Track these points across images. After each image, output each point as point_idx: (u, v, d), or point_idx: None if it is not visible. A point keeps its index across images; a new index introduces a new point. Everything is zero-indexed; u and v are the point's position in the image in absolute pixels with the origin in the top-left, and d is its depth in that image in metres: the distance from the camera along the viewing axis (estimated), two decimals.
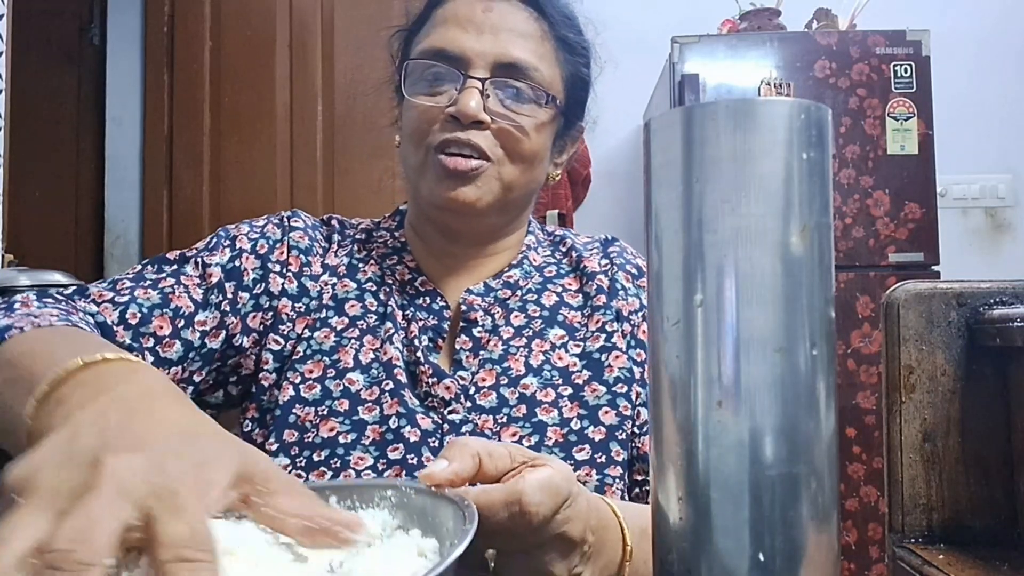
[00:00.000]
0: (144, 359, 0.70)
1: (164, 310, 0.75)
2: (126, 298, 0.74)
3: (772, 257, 0.32)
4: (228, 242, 0.81)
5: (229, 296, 0.78)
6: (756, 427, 0.32)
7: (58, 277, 1.68)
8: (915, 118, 2.29)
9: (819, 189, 0.33)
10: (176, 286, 0.77)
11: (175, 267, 0.79)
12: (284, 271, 0.81)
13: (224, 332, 0.77)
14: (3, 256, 1.88)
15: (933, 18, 2.57)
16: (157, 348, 0.74)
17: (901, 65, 2.30)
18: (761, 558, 0.31)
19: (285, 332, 0.79)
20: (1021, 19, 2.92)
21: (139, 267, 0.79)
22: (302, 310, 0.80)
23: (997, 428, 0.87)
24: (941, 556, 0.82)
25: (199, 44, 2.64)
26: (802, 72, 2.31)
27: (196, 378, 0.77)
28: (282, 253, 0.82)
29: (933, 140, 2.29)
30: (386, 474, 0.73)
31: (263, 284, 0.80)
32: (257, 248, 0.81)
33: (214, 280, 0.78)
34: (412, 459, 0.73)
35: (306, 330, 0.79)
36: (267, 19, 2.62)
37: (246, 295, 0.79)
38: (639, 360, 0.82)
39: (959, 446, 0.87)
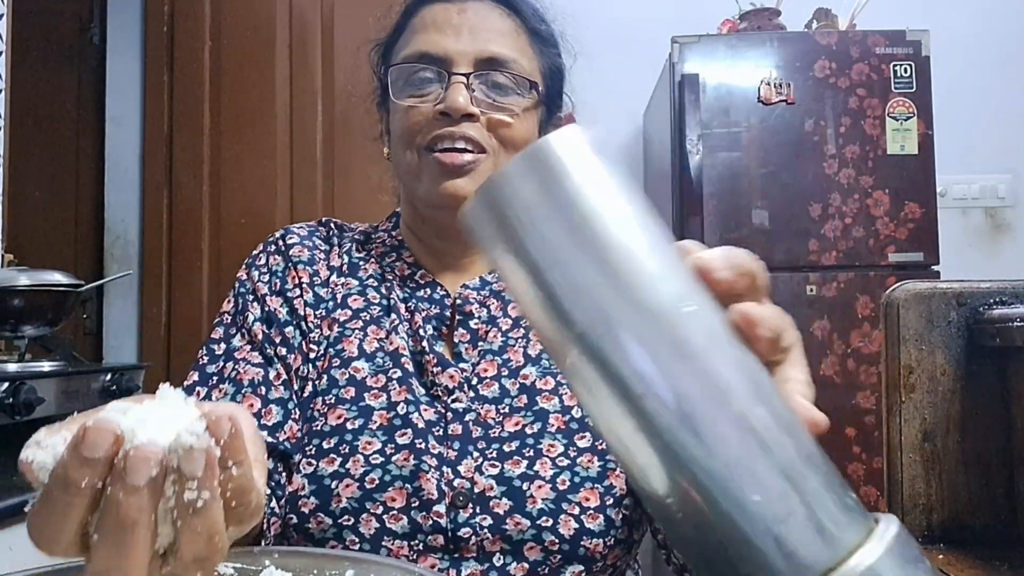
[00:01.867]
0: (262, 433, 0.72)
1: (243, 391, 0.77)
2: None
3: None
4: (251, 296, 0.83)
5: (278, 340, 0.80)
6: None
7: (58, 277, 1.68)
8: (915, 118, 2.29)
9: None
10: (236, 365, 0.79)
11: (224, 346, 0.81)
12: (300, 290, 0.83)
13: (295, 374, 0.80)
14: (3, 256, 1.88)
15: (933, 18, 2.57)
16: (263, 422, 0.76)
17: (901, 65, 2.30)
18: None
19: (316, 339, 0.81)
20: (1021, 19, 2.92)
21: (197, 365, 0.81)
22: (323, 315, 0.82)
23: (997, 428, 0.87)
24: (941, 556, 0.82)
25: (199, 44, 2.64)
26: (802, 72, 2.31)
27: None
28: (293, 277, 0.84)
29: (933, 140, 2.29)
30: (394, 458, 0.73)
31: (294, 313, 0.82)
32: (273, 287, 0.84)
33: (260, 337, 0.80)
34: (420, 443, 0.74)
35: (326, 329, 0.82)
36: (267, 19, 2.62)
37: (290, 328, 0.81)
38: None
39: (959, 446, 0.88)
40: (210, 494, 0.34)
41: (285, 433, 0.76)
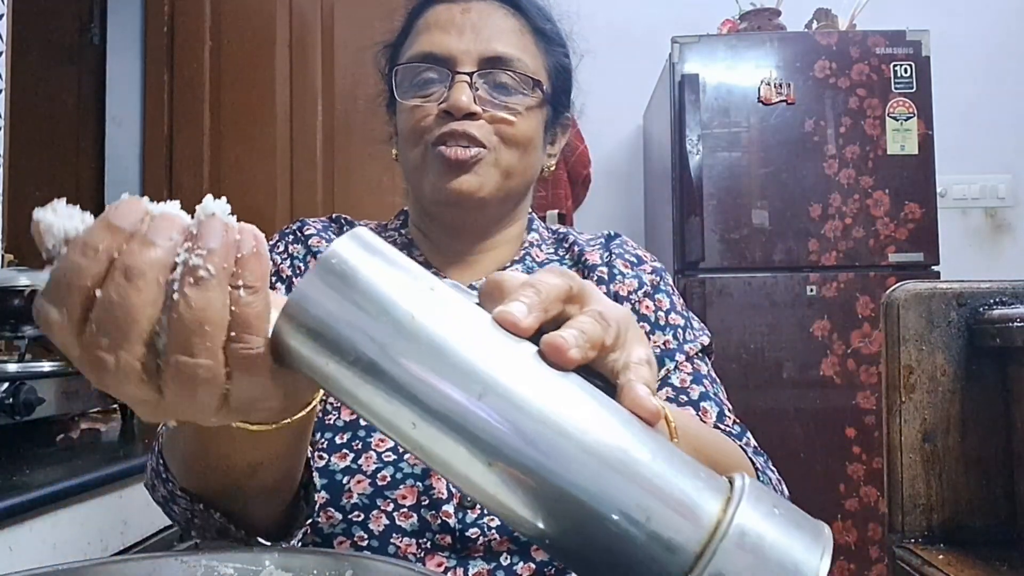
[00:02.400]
0: None
1: None
2: None
3: None
4: (274, 277, 0.84)
5: None
6: None
7: None
8: (915, 118, 2.29)
9: None
10: None
11: None
12: None
13: None
14: (3, 256, 1.88)
15: (933, 18, 2.57)
16: None
17: (901, 65, 2.30)
18: None
19: None
20: (1021, 19, 2.92)
21: None
22: None
23: (997, 428, 0.87)
24: (941, 556, 0.82)
25: (199, 44, 2.64)
26: (802, 72, 2.31)
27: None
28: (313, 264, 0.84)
29: (933, 140, 2.29)
30: (406, 456, 0.73)
31: None
32: (296, 271, 0.84)
33: None
34: None
35: None
36: (267, 19, 2.62)
37: None
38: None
39: (959, 446, 0.88)
40: (215, 271, 0.35)
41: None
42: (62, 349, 0.36)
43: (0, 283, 1.53)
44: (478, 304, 0.41)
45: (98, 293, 0.34)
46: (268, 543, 0.63)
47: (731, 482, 0.36)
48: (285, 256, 0.85)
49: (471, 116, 0.79)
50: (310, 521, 0.73)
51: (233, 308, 0.35)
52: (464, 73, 0.79)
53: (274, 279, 0.83)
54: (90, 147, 2.71)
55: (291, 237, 0.87)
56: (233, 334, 0.36)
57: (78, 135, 2.70)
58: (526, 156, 0.83)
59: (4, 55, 1.85)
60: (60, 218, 0.36)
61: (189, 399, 0.36)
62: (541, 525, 0.35)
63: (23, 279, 1.59)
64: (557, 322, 0.40)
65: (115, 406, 1.59)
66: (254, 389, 0.37)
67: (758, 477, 0.70)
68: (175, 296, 0.34)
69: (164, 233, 0.35)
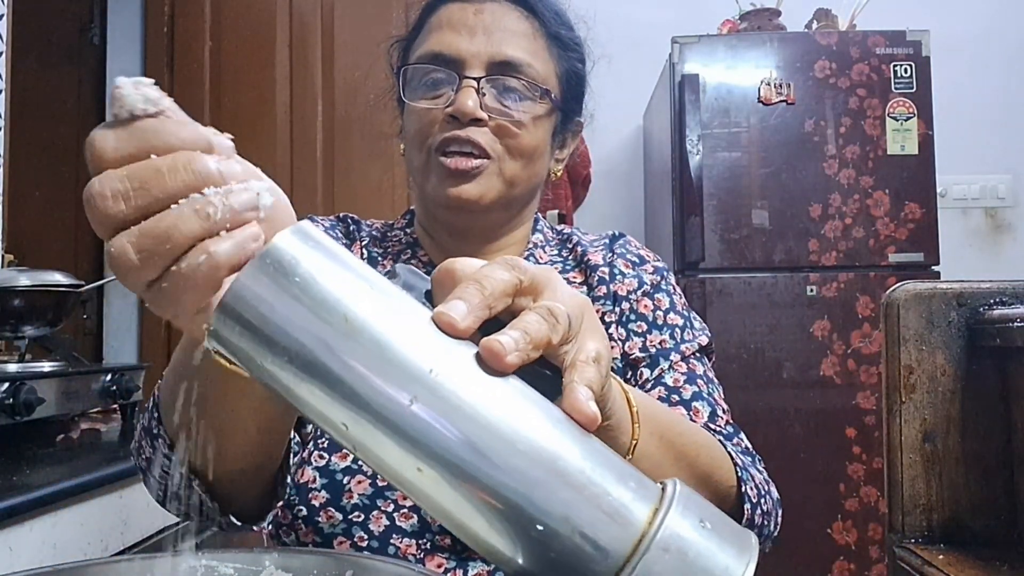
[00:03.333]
0: None
1: None
2: None
3: None
4: None
5: None
6: None
7: (58, 277, 1.68)
8: (915, 118, 2.29)
9: None
10: None
11: None
12: None
13: None
14: (3, 256, 1.88)
15: (933, 18, 2.57)
16: None
17: (901, 65, 2.30)
18: None
19: None
20: (1021, 19, 2.92)
21: None
22: None
23: (997, 428, 0.87)
24: (941, 556, 0.82)
25: (199, 44, 2.64)
26: (802, 72, 2.31)
27: None
28: None
29: (933, 140, 2.29)
30: None
31: None
32: None
33: None
34: None
35: None
36: (267, 19, 2.62)
37: None
38: (639, 331, 0.82)
39: (959, 446, 0.87)
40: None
41: None
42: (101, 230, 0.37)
43: (0, 283, 1.53)
44: (428, 292, 0.41)
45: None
46: (239, 523, 0.63)
47: (663, 489, 0.37)
48: None
49: (477, 122, 0.78)
50: (313, 519, 0.73)
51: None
52: (472, 78, 0.78)
53: None
54: None
55: None
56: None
57: (78, 135, 2.70)
58: (531, 165, 0.82)
59: (4, 55, 1.85)
60: (136, 93, 0.37)
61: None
62: (474, 530, 0.35)
63: (23, 279, 1.59)
64: (510, 312, 0.40)
65: (115, 406, 1.59)
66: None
67: (738, 475, 0.69)
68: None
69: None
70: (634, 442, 0.52)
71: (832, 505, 2.20)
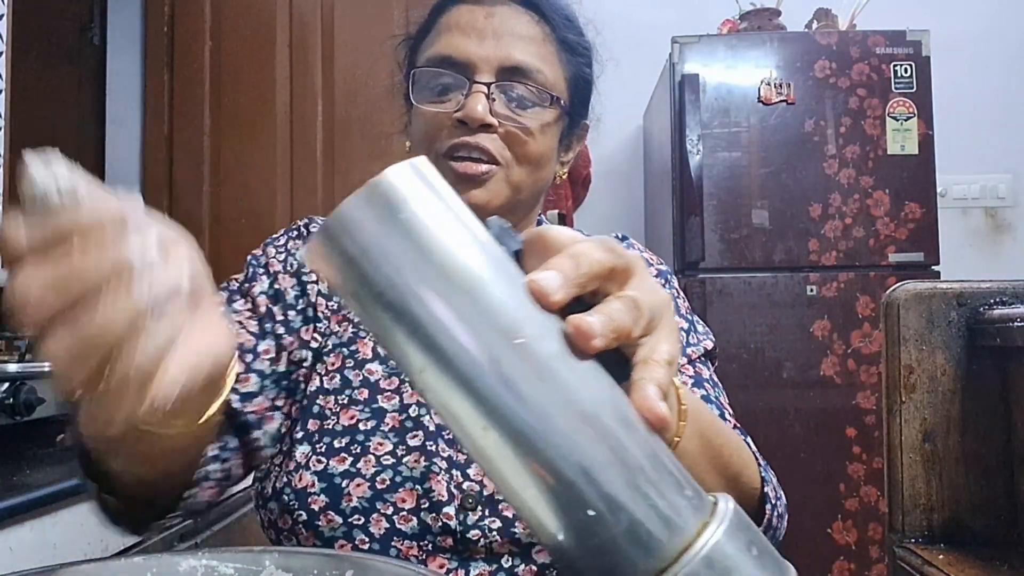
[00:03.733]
0: (231, 398, 0.73)
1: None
2: None
3: None
4: (262, 269, 0.83)
5: (280, 319, 0.80)
6: None
7: None
8: (915, 118, 2.29)
9: None
10: (233, 325, 0.78)
11: (227, 306, 0.80)
12: (317, 276, 0.83)
13: (285, 353, 0.79)
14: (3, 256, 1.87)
15: (933, 18, 2.57)
16: (237, 386, 0.75)
17: (901, 65, 2.30)
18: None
19: (322, 329, 0.82)
20: (1021, 19, 2.92)
21: None
22: (335, 308, 0.83)
23: (997, 428, 0.87)
24: (941, 556, 0.82)
25: (199, 44, 2.64)
26: (802, 72, 2.31)
27: (279, 403, 0.79)
28: None
29: (933, 140, 2.29)
30: (405, 460, 0.74)
31: (304, 298, 0.82)
32: (288, 267, 0.83)
33: (263, 309, 0.80)
34: (431, 446, 0.75)
35: (335, 325, 0.82)
36: (267, 19, 2.62)
37: (293, 312, 0.81)
38: None
39: (959, 446, 0.87)
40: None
41: (255, 405, 0.76)
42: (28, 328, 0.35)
43: (0, 283, 1.53)
44: (517, 252, 0.41)
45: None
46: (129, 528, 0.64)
47: (715, 503, 0.36)
48: (282, 250, 0.85)
49: (486, 128, 0.78)
50: (313, 523, 0.73)
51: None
52: (482, 83, 0.78)
53: (262, 271, 0.83)
54: (90, 147, 2.71)
55: (295, 233, 0.87)
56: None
57: (78, 135, 2.70)
58: (538, 171, 0.82)
59: (4, 55, 1.85)
60: (47, 174, 0.35)
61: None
62: (524, 499, 0.35)
63: None
64: (594, 295, 0.39)
65: None
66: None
67: (762, 476, 0.69)
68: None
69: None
70: (677, 440, 0.52)
71: (832, 505, 2.20)
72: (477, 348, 0.34)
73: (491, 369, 0.34)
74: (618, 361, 0.39)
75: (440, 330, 0.34)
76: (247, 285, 0.82)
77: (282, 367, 0.79)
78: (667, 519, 0.34)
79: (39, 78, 2.56)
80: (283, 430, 0.79)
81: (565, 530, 0.34)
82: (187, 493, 0.64)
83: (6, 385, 1.21)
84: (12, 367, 1.35)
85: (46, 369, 1.45)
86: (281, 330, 0.80)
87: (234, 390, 0.75)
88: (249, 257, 0.85)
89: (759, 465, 0.70)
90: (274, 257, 0.84)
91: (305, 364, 0.80)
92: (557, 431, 0.34)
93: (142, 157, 2.70)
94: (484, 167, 0.78)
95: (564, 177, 0.91)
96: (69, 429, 0.63)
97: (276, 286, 0.82)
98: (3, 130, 1.84)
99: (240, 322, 0.79)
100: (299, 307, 0.82)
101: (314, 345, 0.81)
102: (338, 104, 2.59)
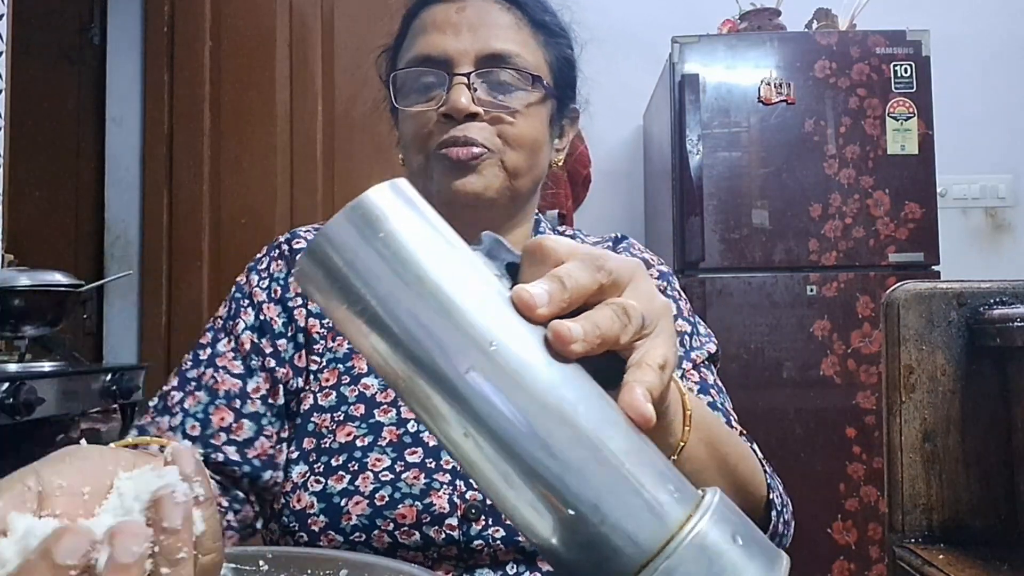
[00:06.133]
0: (228, 452, 0.74)
1: (216, 402, 0.76)
2: (179, 416, 0.76)
3: None
4: (246, 300, 0.82)
5: (269, 351, 0.79)
6: None
7: (58, 277, 1.68)
8: (915, 118, 2.29)
9: None
10: (216, 373, 0.78)
11: (209, 351, 0.80)
12: (302, 299, 0.83)
13: (280, 385, 0.79)
14: (3, 256, 1.88)
15: (933, 18, 2.57)
16: (232, 437, 0.75)
17: (901, 65, 2.30)
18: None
19: (319, 350, 0.80)
20: (1021, 19, 2.92)
21: (180, 368, 0.80)
22: (329, 325, 0.82)
23: (997, 428, 0.87)
24: (941, 556, 0.82)
25: (199, 44, 2.64)
26: (802, 72, 2.31)
27: (284, 435, 0.78)
28: (296, 286, 0.83)
29: (933, 140, 2.29)
30: (404, 476, 0.73)
31: (293, 324, 0.81)
32: (272, 294, 0.82)
33: (248, 347, 0.79)
34: (431, 463, 0.74)
35: (330, 342, 0.81)
36: (267, 19, 2.62)
37: (283, 341, 0.80)
38: None
39: (959, 446, 0.87)
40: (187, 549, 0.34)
41: (255, 450, 0.75)
42: None
43: (0, 283, 1.53)
44: (511, 264, 0.42)
45: None
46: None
47: (703, 496, 0.37)
48: (265, 276, 0.84)
49: (472, 117, 0.78)
50: (314, 544, 0.73)
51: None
52: (462, 74, 0.78)
53: (247, 302, 0.82)
54: (90, 147, 2.71)
55: (276, 252, 0.85)
56: None
57: (78, 135, 2.70)
58: (533, 155, 0.82)
59: (4, 55, 1.85)
60: (12, 544, 0.32)
61: None
62: (510, 502, 0.36)
63: (23, 279, 1.59)
64: (588, 304, 0.40)
65: (115, 406, 1.59)
66: None
67: (768, 483, 0.69)
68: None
69: (135, 547, 0.33)
70: (682, 444, 0.52)
71: (832, 505, 2.20)
72: (452, 356, 0.35)
73: (466, 375, 0.35)
74: (614, 365, 0.40)
75: (418, 340, 0.35)
76: (231, 323, 0.81)
77: (280, 400, 0.78)
78: (649, 513, 0.35)
79: (39, 78, 2.56)
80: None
81: (550, 529, 0.35)
82: None
83: (6, 385, 1.21)
84: (12, 367, 1.35)
85: (45, 369, 1.45)
86: (273, 363, 0.79)
87: (231, 441, 0.75)
88: (233, 287, 0.84)
89: (765, 472, 0.70)
90: (257, 285, 0.83)
91: (313, 391, 0.79)
92: (531, 434, 0.35)
93: (142, 157, 2.70)
94: (476, 149, 0.78)
95: (561, 163, 0.90)
96: None
97: (262, 317, 0.81)
98: (3, 130, 1.84)
99: (224, 366, 0.78)
100: (288, 334, 0.81)
101: (313, 367, 0.80)
102: (338, 104, 2.59)
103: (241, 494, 0.75)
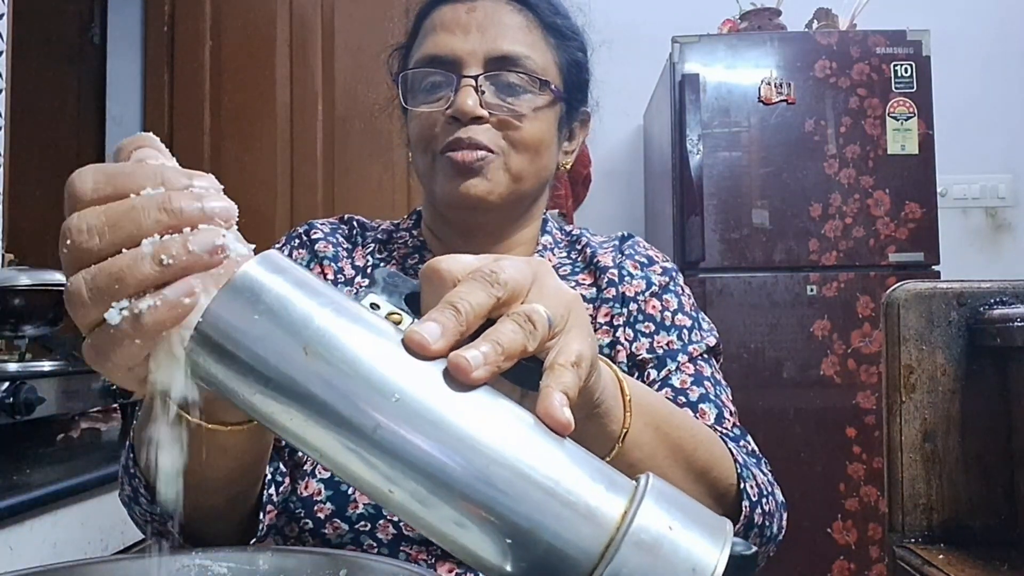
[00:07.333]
0: None
1: None
2: None
3: None
4: None
5: None
6: None
7: (58, 277, 1.68)
8: (915, 118, 2.29)
9: None
10: None
11: None
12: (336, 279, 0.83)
13: None
14: (3, 256, 1.88)
15: (933, 18, 2.57)
16: None
17: (901, 65, 2.30)
18: None
19: None
20: (1021, 19, 2.92)
21: None
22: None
23: (997, 428, 0.87)
24: (941, 556, 0.82)
25: (199, 44, 2.64)
26: (802, 72, 2.31)
27: None
28: (318, 272, 0.83)
29: (933, 140, 2.29)
30: None
31: None
32: None
33: None
34: None
35: None
36: (267, 19, 2.62)
37: None
38: (647, 332, 0.82)
39: (959, 446, 0.87)
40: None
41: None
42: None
43: (0, 283, 1.53)
44: (410, 295, 0.42)
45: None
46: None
47: (636, 486, 0.37)
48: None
49: (478, 120, 0.78)
50: (320, 531, 0.73)
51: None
52: (469, 76, 0.78)
53: None
54: (90, 147, 2.71)
55: (296, 241, 0.86)
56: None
57: (78, 135, 2.70)
58: (538, 158, 0.82)
59: (4, 55, 1.85)
60: None
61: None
62: (455, 543, 0.36)
63: (23, 279, 1.59)
64: (490, 319, 0.39)
65: (115, 405, 1.59)
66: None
67: (738, 473, 0.67)
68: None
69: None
70: (624, 430, 0.52)
71: (832, 505, 2.20)
72: (356, 418, 0.35)
73: (375, 435, 0.35)
74: (534, 365, 0.40)
75: (320, 409, 0.35)
76: None
77: None
78: (585, 520, 0.34)
79: (39, 78, 2.56)
80: None
81: (500, 559, 0.35)
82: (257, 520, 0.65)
83: (6, 385, 1.21)
84: (12, 367, 1.35)
85: (45, 369, 1.45)
86: None
87: None
88: None
89: (736, 462, 0.68)
90: None
91: None
92: (451, 476, 0.34)
93: None
94: (480, 152, 0.77)
95: (568, 167, 0.90)
96: (126, 479, 0.63)
97: None
98: (3, 130, 1.84)
99: None
100: None
101: None
102: (338, 104, 2.59)
103: (283, 467, 0.75)
